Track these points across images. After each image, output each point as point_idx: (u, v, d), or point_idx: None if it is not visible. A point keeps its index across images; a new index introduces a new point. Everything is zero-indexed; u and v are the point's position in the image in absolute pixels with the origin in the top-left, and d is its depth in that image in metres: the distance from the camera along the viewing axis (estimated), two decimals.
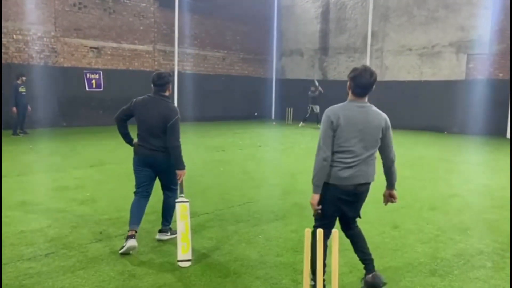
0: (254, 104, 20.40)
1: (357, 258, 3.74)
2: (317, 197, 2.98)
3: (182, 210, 3.78)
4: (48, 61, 14.40)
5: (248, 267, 3.61)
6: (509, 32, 14.36)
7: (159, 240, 4.15)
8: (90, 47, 15.27)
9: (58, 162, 8.46)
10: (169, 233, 4.21)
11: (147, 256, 3.79)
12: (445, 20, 15.96)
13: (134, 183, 4.12)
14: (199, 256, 3.80)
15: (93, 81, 15.28)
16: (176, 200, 3.87)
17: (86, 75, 15.16)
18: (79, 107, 15.09)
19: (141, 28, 16.51)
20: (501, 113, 14.60)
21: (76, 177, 6.94)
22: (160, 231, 4.22)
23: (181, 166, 3.97)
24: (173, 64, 17.49)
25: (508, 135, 14.55)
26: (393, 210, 5.42)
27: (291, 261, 3.74)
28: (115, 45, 15.86)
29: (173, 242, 4.01)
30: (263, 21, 20.74)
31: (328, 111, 2.98)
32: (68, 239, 4.13)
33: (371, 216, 5.13)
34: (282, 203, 5.73)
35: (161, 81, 3.94)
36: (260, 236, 4.37)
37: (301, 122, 17.20)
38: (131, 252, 3.78)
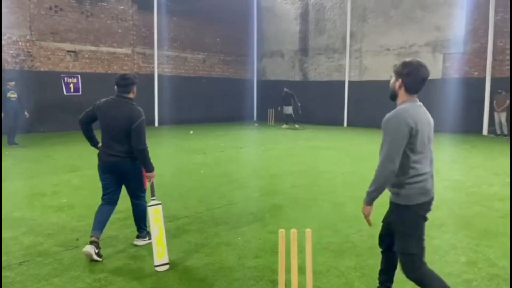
0: (236, 105, 20.41)
1: (336, 257, 3.81)
2: (370, 209, 2.66)
3: (155, 214, 3.70)
4: (24, 66, 14.13)
5: (226, 269, 3.61)
6: (482, 31, 14.73)
7: (137, 246, 4.10)
8: (68, 51, 15.05)
9: (34, 168, 8.31)
10: (147, 238, 4.14)
11: (124, 262, 3.76)
12: (421, 20, 16.27)
13: None
14: (177, 260, 3.78)
15: (71, 85, 15.06)
16: (148, 204, 3.78)
17: (63, 79, 14.93)
18: (57, 112, 14.83)
19: (120, 31, 16.35)
20: (477, 110, 14.95)
21: (53, 184, 6.82)
22: (138, 236, 4.16)
23: (150, 168, 3.86)
24: (153, 67, 17.38)
25: (485, 132, 14.90)
26: None
27: (269, 262, 3.75)
28: (93, 48, 15.66)
29: (150, 247, 3.98)
30: (243, 22, 20.79)
31: (403, 115, 2.52)
32: (43, 247, 4.06)
33: (350, 215, 5.21)
34: (262, 204, 5.75)
35: (125, 82, 3.82)
36: (239, 238, 4.38)
37: (284, 124, 17.26)
38: (94, 258, 3.66)
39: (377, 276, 3.23)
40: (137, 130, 3.71)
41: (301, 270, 2.98)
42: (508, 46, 14.34)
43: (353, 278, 3.44)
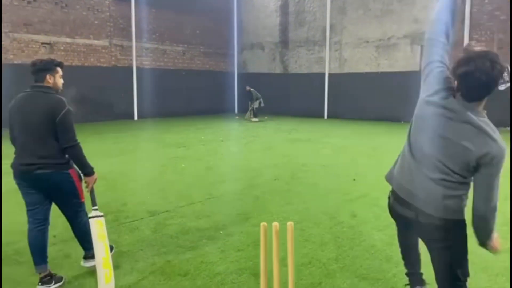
0: (216, 98, 20.27)
1: (318, 249, 3.82)
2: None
3: (98, 228, 3.12)
4: None
5: (208, 263, 3.59)
6: (458, 23, 14.97)
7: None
8: (42, 43, 14.63)
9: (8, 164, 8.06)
10: None
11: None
12: (399, 12, 16.43)
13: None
14: (158, 256, 3.74)
15: None
16: (90, 215, 3.20)
17: None
18: None
19: (96, 22, 15.97)
20: None
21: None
22: (86, 257, 3.48)
23: (88, 170, 3.19)
24: (131, 59, 17.07)
25: None
26: (351, 200, 5.57)
27: (251, 255, 3.74)
28: (69, 40, 15.27)
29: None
30: (223, 14, 20.60)
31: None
32: (19, 245, 3.94)
33: (331, 207, 5.25)
34: (244, 197, 5.74)
35: (34, 68, 3.16)
36: (221, 232, 4.36)
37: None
38: None
39: (358, 266, 3.26)
40: (63, 123, 3.03)
41: (283, 262, 2.99)
42: (484, 38, 14.64)
43: (335, 270, 3.46)
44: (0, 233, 4.03)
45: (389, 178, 2.39)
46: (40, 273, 3.13)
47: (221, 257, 3.72)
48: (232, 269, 3.48)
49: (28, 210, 3.17)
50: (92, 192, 3.28)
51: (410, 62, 16.31)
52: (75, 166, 3.23)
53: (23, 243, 3.91)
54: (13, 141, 3.20)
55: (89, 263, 3.45)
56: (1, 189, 5.48)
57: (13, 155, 3.19)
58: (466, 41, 14.82)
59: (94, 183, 3.29)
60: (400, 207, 2.28)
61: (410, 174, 2.20)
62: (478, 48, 2.02)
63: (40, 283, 3.10)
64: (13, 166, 3.15)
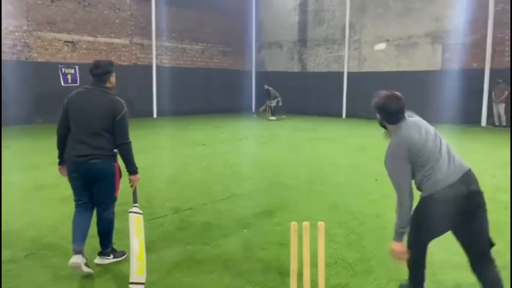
0: (234, 97, 20.31)
1: (343, 249, 3.79)
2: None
3: (136, 223, 3.22)
4: (21, 56, 13.96)
5: (234, 261, 3.60)
6: (482, 22, 14.67)
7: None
8: (65, 41, 14.88)
9: (34, 160, 8.24)
10: (111, 256, 3.57)
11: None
12: (420, 11, 16.18)
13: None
14: (184, 252, 3.77)
15: (69, 76, 14.91)
16: (130, 210, 3.28)
17: (61, 70, 14.77)
18: (55, 103, 14.56)
19: (117, 21, 16.17)
20: (475, 102, 14.94)
21: (54, 175, 6.75)
22: (101, 253, 3.56)
23: (134, 168, 3.41)
24: (151, 58, 17.24)
25: (483, 123, 14.92)
26: (375, 200, 5.51)
27: (277, 254, 3.74)
28: (90, 38, 15.50)
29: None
30: (241, 13, 20.62)
31: None
32: (47, 240, 4.03)
33: (354, 207, 5.21)
34: (265, 196, 5.73)
35: (100, 71, 3.38)
36: (245, 230, 4.36)
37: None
38: (83, 270, 3.22)
39: (385, 268, 3.22)
40: (121, 123, 3.31)
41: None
42: (508, 37, 14.31)
43: (361, 270, 3.43)
44: (0, 232, 4.11)
45: (435, 189, 2.74)
46: (75, 249, 3.27)
47: (246, 255, 3.72)
48: (257, 268, 3.48)
49: (76, 200, 3.47)
50: (135, 191, 3.48)
51: (431, 61, 16.06)
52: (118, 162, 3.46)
53: (50, 238, 4.03)
54: (63, 131, 3.41)
55: (102, 260, 3.54)
56: (1, 188, 5.59)
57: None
58: (490, 39, 14.51)
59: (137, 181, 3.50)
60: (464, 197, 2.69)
61: (447, 171, 2.76)
62: (385, 92, 3.03)
63: (75, 253, 3.23)
64: (67, 158, 3.39)
